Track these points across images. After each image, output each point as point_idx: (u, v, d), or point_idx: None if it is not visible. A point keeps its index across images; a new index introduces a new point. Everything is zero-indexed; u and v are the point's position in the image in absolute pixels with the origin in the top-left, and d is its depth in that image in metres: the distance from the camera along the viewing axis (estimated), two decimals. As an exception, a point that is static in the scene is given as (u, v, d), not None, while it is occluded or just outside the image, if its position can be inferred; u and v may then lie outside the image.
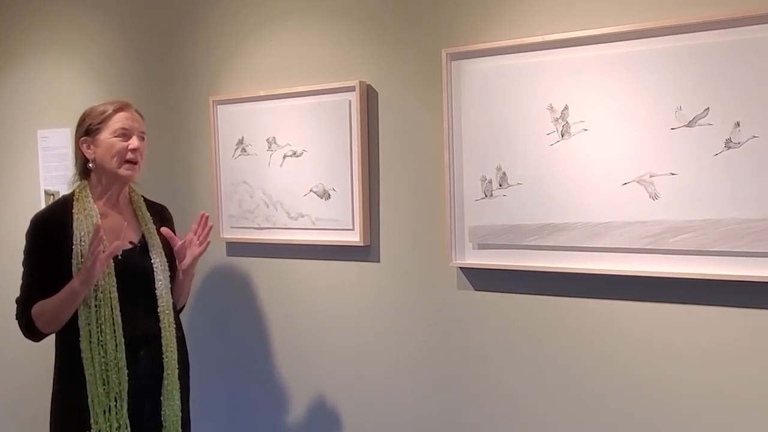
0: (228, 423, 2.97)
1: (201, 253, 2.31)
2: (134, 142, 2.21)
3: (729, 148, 1.89)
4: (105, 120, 2.21)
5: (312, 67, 2.63)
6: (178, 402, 2.26)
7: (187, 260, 2.30)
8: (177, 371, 2.26)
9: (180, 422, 2.27)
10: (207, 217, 2.33)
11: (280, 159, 2.69)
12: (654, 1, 2.00)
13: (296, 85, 2.65)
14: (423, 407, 2.48)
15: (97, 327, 2.12)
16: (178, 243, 2.30)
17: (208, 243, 2.32)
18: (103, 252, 2.06)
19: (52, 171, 3.44)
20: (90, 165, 2.24)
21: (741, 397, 1.96)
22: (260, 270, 2.84)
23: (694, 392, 2.02)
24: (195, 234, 2.31)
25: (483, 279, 2.33)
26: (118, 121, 2.21)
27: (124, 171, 2.21)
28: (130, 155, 2.20)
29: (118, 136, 2.20)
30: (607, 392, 2.15)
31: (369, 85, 2.50)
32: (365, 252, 2.56)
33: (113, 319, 2.14)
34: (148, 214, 2.35)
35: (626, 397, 2.12)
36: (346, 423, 2.67)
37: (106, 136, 2.20)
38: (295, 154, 2.66)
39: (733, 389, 1.96)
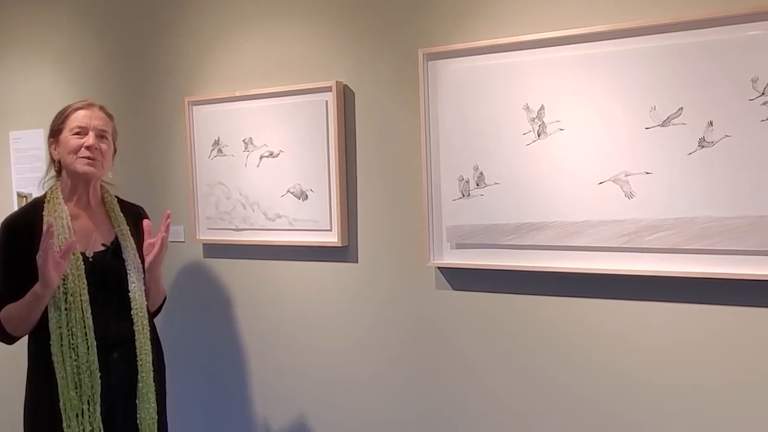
0: (206, 426, 2.95)
1: (157, 254, 2.26)
2: (89, 139, 2.19)
3: (702, 147, 1.91)
4: (64, 119, 2.22)
5: (288, 67, 2.62)
6: (154, 405, 2.24)
7: (148, 259, 2.27)
8: (152, 374, 2.24)
9: (156, 426, 2.25)
10: (167, 215, 2.27)
11: (257, 160, 2.68)
12: (628, 3, 2.01)
13: (273, 85, 2.63)
14: (402, 407, 2.48)
15: (68, 330, 2.09)
16: (147, 240, 2.27)
17: (162, 243, 2.24)
18: (59, 251, 2.02)
19: (25, 173, 3.39)
20: (54, 165, 2.27)
21: (719, 392, 1.98)
22: (238, 272, 2.82)
23: (672, 389, 2.03)
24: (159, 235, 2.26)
25: (461, 278, 2.34)
26: (76, 119, 2.21)
27: (80, 166, 2.19)
28: (84, 152, 2.18)
29: (75, 134, 2.19)
30: (585, 389, 2.16)
31: (346, 85, 2.50)
32: (343, 252, 2.56)
33: (84, 321, 2.11)
34: (122, 215, 2.32)
35: (605, 393, 2.13)
36: (325, 424, 2.66)
37: (65, 134, 2.20)
38: (272, 154, 2.64)
39: (711, 385, 1.98)
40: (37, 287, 2.05)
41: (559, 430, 2.21)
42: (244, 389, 2.84)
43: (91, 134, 2.20)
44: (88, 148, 2.18)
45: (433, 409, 2.42)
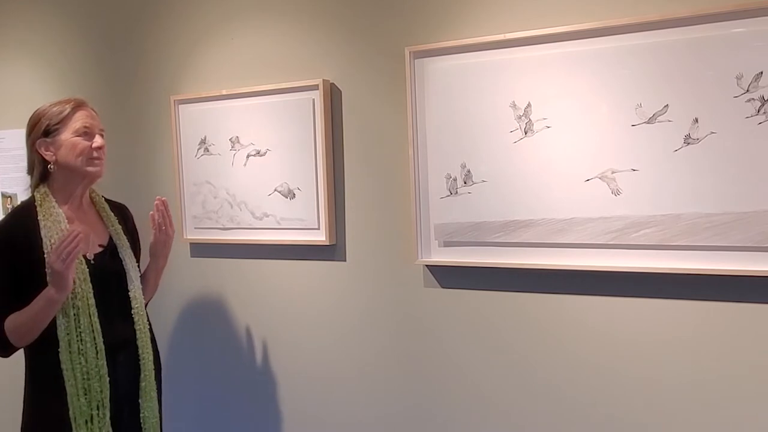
0: (196, 424, 2.93)
1: (164, 242, 2.34)
2: (98, 140, 2.17)
3: (688, 144, 1.92)
4: (64, 120, 2.13)
5: (275, 65, 2.61)
6: (157, 404, 2.25)
7: (155, 244, 2.33)
8: (153, 372, 2.24)
9: (159, 423, 2.26)
10: (163, 203, 2.32)
11: (244, 158, 2.67)
12: (614, 0, 2.02)
13: (259, 83, 2.62)
14: (391, 405, 2.48)
15: (77, 336, 2.06)
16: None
17: (166, 224, 2.32)
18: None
19: (10, 173, 3.36)
20: (50, 167, 2.15)
21: (702, 387, 1.99)
22: (225, 271, 2.81)
23: (658, 383, 2.04)
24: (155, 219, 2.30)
25: (449, 276, 2.34)
26: (79, 119, 2.15)
27: (92, 169, 2.16)
28: (95, 153, 2.16)
29: (80, 135, 2.14)
30: (573, 386, 2.17)
31: (332, 83, 2.49)
32: (331, 251, 2.55)
33: (92, 326, 2.08)
34: (113, 214, 2.30)
35: (592, 390, 2.14)
36: (313, 422, 2.65)
37: (67, 135, 2.13)
38: (258, 153, 2.63)
39: (698, 380, 2.00)
40: (51, 292, 1.99)
41: (546, 426, 2.22)
42: (232, 388, 2.83)
43: (98, 136, 2.18)
44: (97, 149, 2.16)
45: (421, 406, 2.42)
